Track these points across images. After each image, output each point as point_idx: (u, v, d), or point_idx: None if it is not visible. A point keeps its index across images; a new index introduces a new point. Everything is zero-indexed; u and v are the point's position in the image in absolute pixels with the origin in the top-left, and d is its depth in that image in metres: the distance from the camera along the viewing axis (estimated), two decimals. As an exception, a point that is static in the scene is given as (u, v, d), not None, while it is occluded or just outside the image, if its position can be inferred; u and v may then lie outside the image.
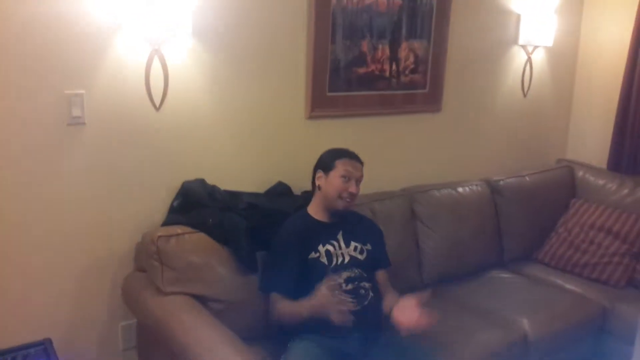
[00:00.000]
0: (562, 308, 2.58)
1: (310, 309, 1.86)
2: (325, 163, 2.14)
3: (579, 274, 2.86)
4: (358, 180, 2.12)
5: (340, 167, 2.09)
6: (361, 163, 2.15)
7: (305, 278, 2.01)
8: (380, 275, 2.18)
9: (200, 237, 2.02)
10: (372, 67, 2.67)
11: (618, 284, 2.79)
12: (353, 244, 2.14)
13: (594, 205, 3.08)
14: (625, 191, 3.12)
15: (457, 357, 2.03)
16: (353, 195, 2.10)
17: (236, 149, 2.35)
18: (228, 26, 2.22)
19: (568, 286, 2.78)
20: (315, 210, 2.16)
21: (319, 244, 2.07)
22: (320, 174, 2.14)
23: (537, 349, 2.38)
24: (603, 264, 2.83)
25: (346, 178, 2.08)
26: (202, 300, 1.93)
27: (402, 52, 2.75)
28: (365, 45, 2.61)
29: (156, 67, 2.06)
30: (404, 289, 2.36)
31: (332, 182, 2.10)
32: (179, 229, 2.04)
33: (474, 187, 2.92)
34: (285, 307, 1.95)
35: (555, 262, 2.95)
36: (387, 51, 2.70)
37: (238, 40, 2.25)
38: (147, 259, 2.00)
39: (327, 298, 1.80)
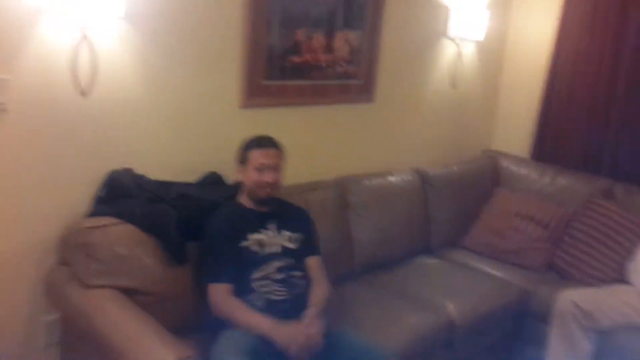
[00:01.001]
0: (485, 292, 2.70)
1: (266, 332, 1.86)
2: (240, 156, 2.14)
3: (502, 259, 3.00)
4: (275, 167, 2.11)
5: (253, 159, 2.10)
6: (277, 148, 2.14)
7: (237, 266, 2.01)
8: (312, 263, 2.20)
9: (127, 229, 1.98)
10: (308, 56, 2.67)
11: (539, 268, 2.95)
12: (285, 233, 2.15)
13: (516, 193, 3.23)
14: (547, 180, 3.28)
15: (386, 341, 2.09)
16: (271, 184, 2.10)
17: (167, 137, 2.30)
18: (162, 12, 2.16)
19: (492, 271, 2.91)
20: (244, 199, 2.16)
21: (250, 232, 2.07)
22: (239, 167, 2.15)
23: (462, 331, 2.48)
24: (525, 250, 2.98)
25: (260, 169, 2.08)
26: (129, 293, 1.89)
27: (337, 42, 2.76)
28: (301, 34, 2.60)
29: (84, 52, 1.98)
30: (337, 278, 2.43)
31: (248, 175, 2.11)
32: (104, 220, 1.98)
33: (405, 177, 3.00)
34: (237, 311, 1.93)
35: (480, 248, 3.08)
36: (323, 41, 2.70)
37: (172, 27, 2.20)
38: (72, 251, 1.95)
39: (294, 344, 1.82)
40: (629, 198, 3.02)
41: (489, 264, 2.97)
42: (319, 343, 1.88)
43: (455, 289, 2.66)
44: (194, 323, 1.99)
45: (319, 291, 2.09)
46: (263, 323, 1.88)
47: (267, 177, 2.09)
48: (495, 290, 2.74)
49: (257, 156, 2.10)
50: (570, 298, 2.54)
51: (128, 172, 2.15)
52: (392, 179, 2.94)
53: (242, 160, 2.13)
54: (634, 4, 3.06)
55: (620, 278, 2.72)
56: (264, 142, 2.13)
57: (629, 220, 2.84)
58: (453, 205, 3.15)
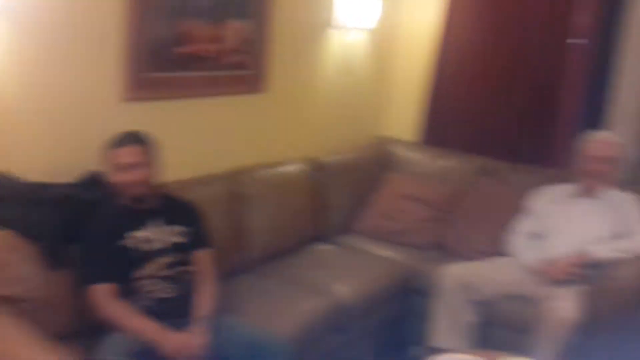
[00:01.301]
0: (374, 273, 2.83)
1: (151, 338, 1.85)
2: (105, 160, 2.10)
3: (392, 241, 3.15)
4: (139, 165, 2.05)
5: (111, 159, 2.06)
6: (138, 144, 2.08)
7: (119, 266, 1.98)
8: (202, 256, 2.19)
9: (2, 235, 1.89)
10: (195, 47, 2.61)
11: (426, 247, 3.12)
12: (174, 228, 2.14)
13: (405, 176, 3.39)
14: (434, 162, 3.46)
15: (277, 329, 2.15)
16: (137, 182, 2.05)
17: (44, 136, 2.20)
18: (37, 4, 2.05)
19: (381, 252, 3.05)
20: (124, 198, 2.12)
21: (130, 230, 2.05)
22: (108, 168, 2.11)
23: (353, 312, 2.60)
24: (412, 230, 3.15)
25: (122, 168, 2.04)
26: (7, 301, 1.82)
27: (227, 32, 2.73)
28: (187, 25, 2.53)
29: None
30: (230, 270, 2.45)
31: (113, 175, 2.07)
32: (-23, 228, 1.89)
33: (298, 167, 3.07)
34: (121, 314, 1.90)
35: (371, 231, 3.22)
36: (211, 31, 2.65)
37: (48, 19, 2.09)
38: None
39: (179, 354, 1.83)
40: (510, 175, 3.24)
41: (380, 245, 3.11)
42: (205, 354, 1.90)
43: (346, 273, 2.77)
44: (78, 328, 1.95)
45: (206, 295, 2.09)
46: (148, 328, 1.88)
47: (131, 175, 2.04)
48: (384, 271, 2.88)
49: (114, 156, 2.05)
50: (453, 272, 2.71)
51: (1, 174, 2.05)
52: (285, 169, 3.00)
53: (106, 161, 2.09)
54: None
55: (502, 251, 2.92)
56: (121, 141, 2.06)
57: (506, 195, 3.07)
58: (347, 192, 3.26)
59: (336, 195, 3.20)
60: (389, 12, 3.60)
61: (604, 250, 2.58)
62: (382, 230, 3.19)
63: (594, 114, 3.26)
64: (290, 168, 3.02)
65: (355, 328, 2.64)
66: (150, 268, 2.02)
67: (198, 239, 2.21)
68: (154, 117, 2.48)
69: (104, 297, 1.92)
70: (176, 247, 2.11)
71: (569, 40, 3.09)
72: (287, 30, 3.05)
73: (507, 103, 3.33)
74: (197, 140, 2.71)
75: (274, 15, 2.94)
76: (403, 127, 3.80)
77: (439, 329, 2.69)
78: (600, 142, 2.72)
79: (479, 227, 3.03)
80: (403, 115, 3.83)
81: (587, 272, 2.53)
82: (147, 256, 2.03)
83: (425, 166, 3.46)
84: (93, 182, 2.25)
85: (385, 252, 3.06)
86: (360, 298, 2.64)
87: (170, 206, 2.20)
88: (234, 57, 2.81)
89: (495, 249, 2.93)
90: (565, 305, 2.42)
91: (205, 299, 2.07)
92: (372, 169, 3.45)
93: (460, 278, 2.68)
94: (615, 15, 3.14)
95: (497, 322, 2.68)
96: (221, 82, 2.80)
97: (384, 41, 3.71)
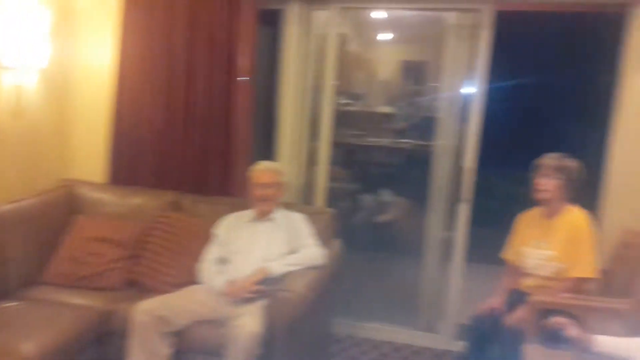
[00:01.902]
0: (65, 323, 2.70)
1: None
2: None
3: (83, 286, 3.05)
4: None
5: None
6: None
7: None
8: None
9: None
10: None
11: (119, 287, 3.10)
12: None
13: (94, 218, 3.32)
14: (122, 201, 3.46)
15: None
16: None
17: None
18: None
19: (72, 300, 2.93)
20: None
21: None
22: None
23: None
24: (103, 272, 3.09)
25: None
26: None
27: None
28: None
29: None
30: None
31: None
32: None
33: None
34: None
35: (61, 279, 3.07)
36: None
37: None
38: None
39: None
40: (193, 206, 3.42)
41: (70, 293, 2.98)
42: None
43: (33, 329, 2.58)
44: None
45: None
46: None
47: None
48: (76, 319, 2.76)
49: None
50: (145, 308, 2.75)
51: None
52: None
53: None
54: (182, 29, 3.43)
55: (193, 280, 3.06)
56: None
57: (195, 226, 3.24)
58: (29, 241, 3.05)
59: (15, 246, 2.97)
60: (60, 50, 3.50)
61: (279, 266, 2.92)
62: (72, 276, 3.07)
63: (268, 144, 3.68)
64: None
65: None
66: None
67: None
68: None
69: None
70: None
71: (238, 78, 3.42)
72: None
73: (188, 138, 3.51)
74: None
75: None
76: (91, 168, 3.71)
77: (136, 366, 2.70)
78: (262, 170, 3.09)
79: (169, 260, 3.14)
80: (90, 156, 3.74)
81: (266, 288, 2.83)
82: None
83: (114, 206, 3.43)
84: None
85: (77, 299, 2.95)
86: (51, 353, 2.49)
87: None
88: None
89: (189, 279, 3.06)
90: (249, 321, 2.67)
91: None
92: (57, 213, 3.30)
93: (153, 312, 2.73)
94: (274, 55, 3.61)
95: (193, 349, 2.80)
96: None
97: (59, 81, 3.58)
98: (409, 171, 6.21)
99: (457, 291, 3.62)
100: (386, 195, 5.42)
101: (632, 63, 3.10)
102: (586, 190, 3.23)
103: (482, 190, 6.19)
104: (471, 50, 3.43)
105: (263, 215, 3.10)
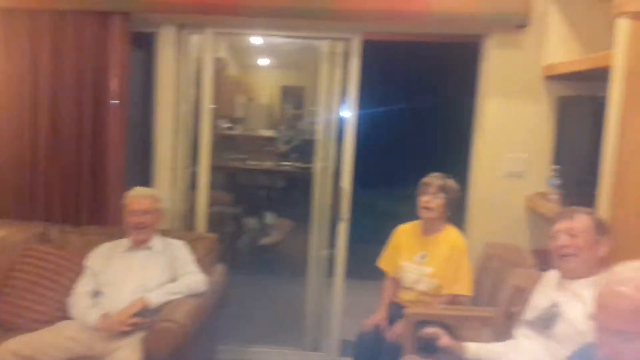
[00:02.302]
0: None
1: None
2: None
3: None
4: None
5: None
6: None
7: None
8: None
9: None
10: None
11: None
12: None
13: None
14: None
15: None
16: None
17: None
18: None
19: None
20: None
21: None
22: None
23: None
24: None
25: None
26: None
27: None
28: None
29: None
30: None
31: None
32: None
33: None
34: None
35: None
36: None
37: None
38: None
39: None
40: (63, 237, 3.23)
41: None
42: None
43: None
44: None
45: None
46: None
47: None
48: None
49: None
50: (10, 348, 2.55)
51: None
52: None
53: None
54: (48, 52, 3.26)
55: (65, 315, 2.88)
56: None
57: (65, 258, 3.06)
58: None
59: None
60: None
61: (158, 295, 2.82)
62: None
63: (145, 170, 3.57)
64: None
65: None
66: None
67: None
68: None
69: None
70: None
71: (110, 101, 3.30)
72: None
73: (55, 165, 3.32)
74: None
75: None
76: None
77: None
78: (137, 196, 3.00)
79: (37, 295, 2.93)
80: None
81: (144, 319, 2.72)
82: None
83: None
84: None
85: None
86: None
87: None
88: None
89: (57, 315, 2.88)
90: (126, 356, 2.55)
91: None
92: None
93: (18, 353, 2.54)
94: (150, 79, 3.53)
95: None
96: None
97: None
98: (291, 193, 6.31)
99: (340, 308, 3.70)
100: (269, 218, 5.45)
101: (486, 88, 3.38)
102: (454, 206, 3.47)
103: (363, 208, 6.43)
104: (344, 76, 3.57)
105: (139, 244, 2.99)
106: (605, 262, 2.12)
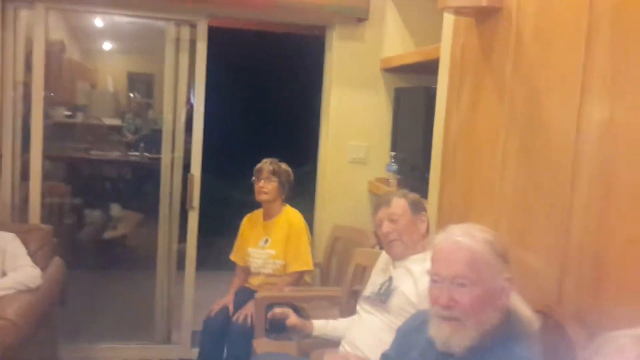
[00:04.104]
0: None
1: None
2: None
3: None
4: None
5: None
6: None
7: None
8: None
9: None
10: None
11: None
12: None
13: None
14: None
15: None
16: None
17: None
18: None
19: None
20: None
21: None
22: None
23: None
24: None
25: None
26: None
27: None
28: None
29: None
30: None
31: None
32: None
33: None
34: None
35: None
36: None
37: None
38: None
39: None
40: None
41: None
42: None
43: None
44: None
45: None
46: None
47: None
48: None
49: None
50: None
51: None
52: None
53: None
54: None
55: None
56: None
57: None
58: None
59: None
60: None
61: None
62: None
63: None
64: None
65: None
66: None
67: None
68: None
69: None
70: None
71: None
72: None
73: None
74: None
75: None
76: None
77: None
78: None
79: None
80: None
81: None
82: None
83: None
84: None
85: None
86: None
87: None
88: None
89: None
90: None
91: None
92: None
93: None
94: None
95: None
96: None
97: None
98: (139, 184, 6.06)
99: (191, 300, 3.65)
100: (116, 210, 5.19)
101: (330, 78, 3.53)
102: (303, 192, 3.59)
103: (216, 200, 6.37)
104: (191, 63, 3.51)
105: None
106: (427, 237, 2.31)
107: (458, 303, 1.52)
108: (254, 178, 3.21)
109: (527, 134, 2.03)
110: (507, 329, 1.55)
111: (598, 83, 1.67)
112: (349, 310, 2.65)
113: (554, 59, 1.90)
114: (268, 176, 3.17)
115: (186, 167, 3.62)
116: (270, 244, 3.21)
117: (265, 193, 3.17)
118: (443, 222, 2.47)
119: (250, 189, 3.26)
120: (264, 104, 7.04)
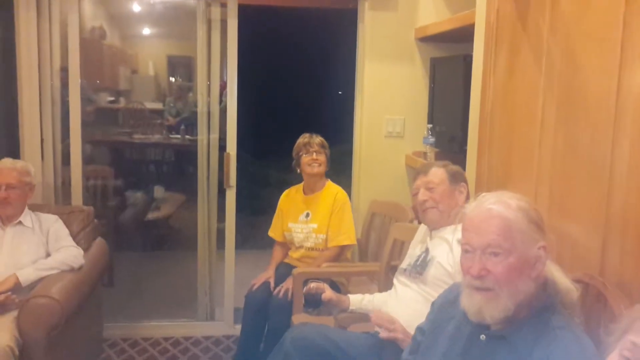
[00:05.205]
0: None
1: None
2: None
3: None
4: None
5: None
6: None
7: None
8: None
9: None
10: None
11: None
12: None
13: None
14: None
15: None
16: None
17: None
18: None
19: None
20: None
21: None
22: None
23: None
24: None
25: None
26: None
27: None
28: None
29: None
30: None
31: None
32: None
33: None
34: None
35: None
36: None
37: None
38: None
39: None
40: None
41: None
42: None
43: None
44: None
45: None
46: None
47: None
48: None
49: None
50: None
51: None
52: None
53: None
54: None
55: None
56: None
57: None
58: None
59: None
60: None
61: (30, 272, 2.66)
62: None
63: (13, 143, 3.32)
64: None
65: None
66: None
67: None
68: None
69: None
70: None
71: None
72: None
73: None
74: None
75: None
76: None
77: None
78: (1, 169, 2.78)
79: None
80: None
81: (17, 297, 2.56)
82: None
83: None
84: None
85: None
86: None
87: None
88: None
89: None
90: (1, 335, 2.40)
91: None
92: None
93: None
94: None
95: None
96: None
97: None
98: (181, 166, 6.15)
99: (232, 277, 3.69)
100: (159, 192, 5.28)
101: (364, 51, 3.45)
102: (343, 167, 3.56)
103: (257, 180, 6.41)
104: (224, 42, 3.50)
105: (8, 221, 2.80)
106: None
107: (490, 273, 1.46)
108: (300, 153, 3.18)
109: (565, 97, 1.94)
110: (544, 299, 1.49)
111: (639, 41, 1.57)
112: (387, 285, 2.63)
113: (592, 17, 1.80)
114: (318, 149, 3.16)
115: (222, 148, 3.63)
116: (312, 217, 3.20)
117: (319, 165, 3.16)
118: (480, 191, 2.39)
119: (286, 167, 3.24)
120: (297, 82, 7.01)
